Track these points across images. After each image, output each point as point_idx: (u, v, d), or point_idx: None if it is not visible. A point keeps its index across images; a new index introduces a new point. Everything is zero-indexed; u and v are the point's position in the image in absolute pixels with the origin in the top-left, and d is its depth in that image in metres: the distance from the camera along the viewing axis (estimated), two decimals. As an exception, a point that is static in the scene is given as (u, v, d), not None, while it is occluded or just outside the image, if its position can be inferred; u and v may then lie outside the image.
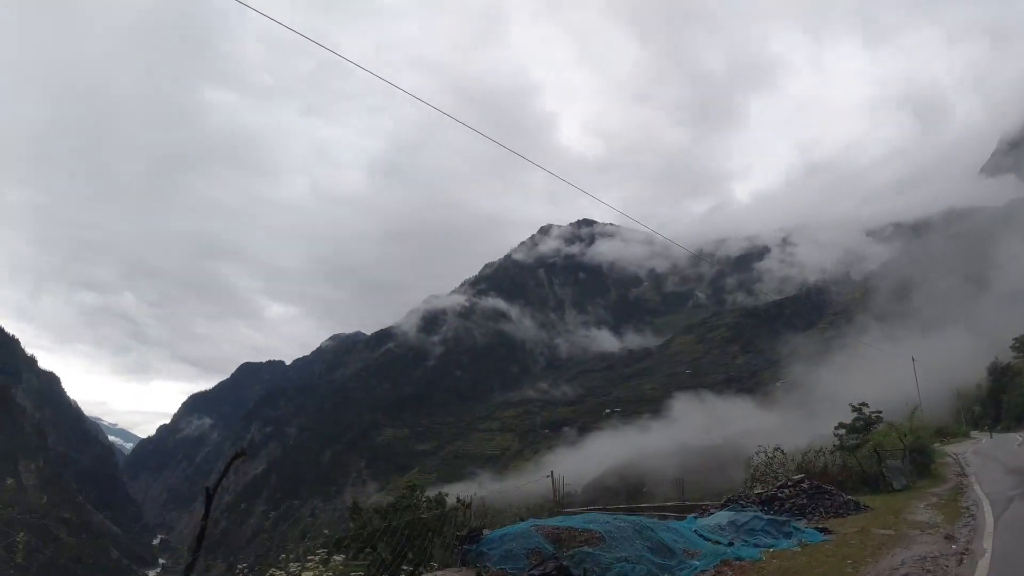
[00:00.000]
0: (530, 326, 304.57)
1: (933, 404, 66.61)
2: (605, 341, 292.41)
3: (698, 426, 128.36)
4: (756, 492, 21.20)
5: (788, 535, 15.02)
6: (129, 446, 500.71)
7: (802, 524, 16.38)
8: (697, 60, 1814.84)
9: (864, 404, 38.28)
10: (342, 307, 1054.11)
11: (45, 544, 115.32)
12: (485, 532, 12.16)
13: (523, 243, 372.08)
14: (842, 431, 37.11)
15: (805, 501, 19.08)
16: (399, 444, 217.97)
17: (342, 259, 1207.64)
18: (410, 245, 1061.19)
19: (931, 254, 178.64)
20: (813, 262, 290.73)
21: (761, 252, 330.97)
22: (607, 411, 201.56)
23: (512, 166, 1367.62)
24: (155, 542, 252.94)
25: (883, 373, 79.50)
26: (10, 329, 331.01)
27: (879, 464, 25.96)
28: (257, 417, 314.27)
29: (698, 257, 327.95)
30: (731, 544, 14.06)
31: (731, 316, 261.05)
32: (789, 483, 20.88)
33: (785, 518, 16.67)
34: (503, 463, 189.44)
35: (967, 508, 19.16)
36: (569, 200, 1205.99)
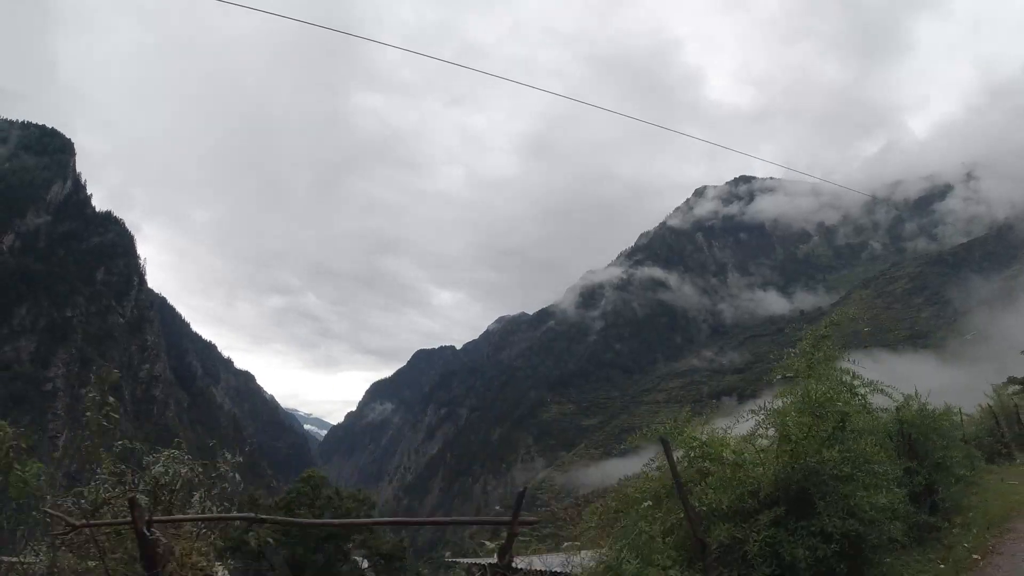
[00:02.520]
0: (691, 293, 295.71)
1: None
2: (773, 303, 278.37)
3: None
4: None
5: None
6: (323, 433, 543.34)
7: None
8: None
9: (1039, 352, 32.93)
10: (505, 289, 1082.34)
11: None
12: None
13: (678, 208, 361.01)
14: (1017, 387, 31.99)
15: None
16: (565, 420, 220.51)
17: (501, 242, 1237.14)
18: (565, 222, 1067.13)
19: None
20: (1002, 197, 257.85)
21: (943, 191, 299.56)
22: (778, 377, 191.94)
23: (661, 130, 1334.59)
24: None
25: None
26: (207, 335, 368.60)
27: None
28: (432, 400, 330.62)
29: (872, 203, 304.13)
30: None
31: (912, 265, 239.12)
32: None
33: None
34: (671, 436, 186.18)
35: None
36: (725, 158, 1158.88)
